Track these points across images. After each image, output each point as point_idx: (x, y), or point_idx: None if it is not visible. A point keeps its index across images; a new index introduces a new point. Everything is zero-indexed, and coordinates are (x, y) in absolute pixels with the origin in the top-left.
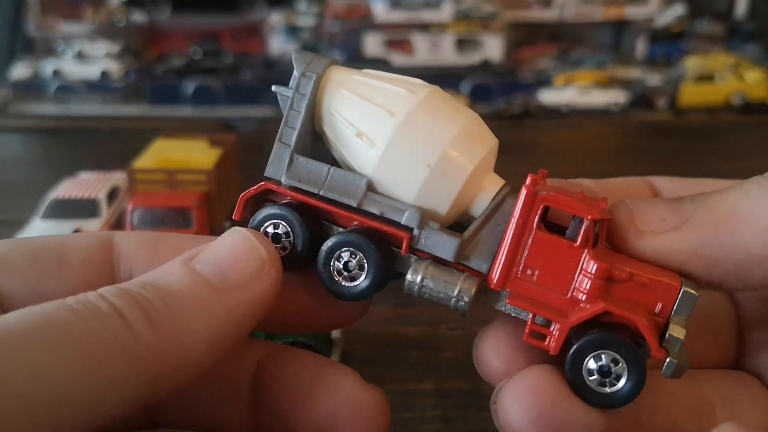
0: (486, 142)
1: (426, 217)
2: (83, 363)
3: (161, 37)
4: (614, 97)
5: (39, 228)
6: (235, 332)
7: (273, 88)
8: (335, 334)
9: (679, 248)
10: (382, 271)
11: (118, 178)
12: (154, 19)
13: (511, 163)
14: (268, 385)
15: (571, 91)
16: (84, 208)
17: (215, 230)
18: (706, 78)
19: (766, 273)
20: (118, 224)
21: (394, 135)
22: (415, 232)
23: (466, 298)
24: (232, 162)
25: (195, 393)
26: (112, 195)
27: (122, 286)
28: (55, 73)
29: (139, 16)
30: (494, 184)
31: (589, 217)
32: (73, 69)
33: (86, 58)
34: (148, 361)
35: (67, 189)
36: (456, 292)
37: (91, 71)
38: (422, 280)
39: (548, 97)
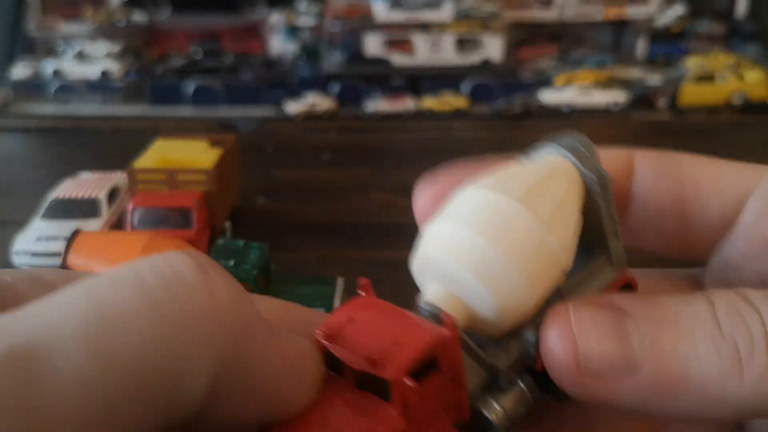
0: None
1: None
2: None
3: (161, 37)
4: (614, 97)
5: (39, 228)
6: None
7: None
8: None
9: (615, 402)
10: None
11: (118, 178)
12: (154, 19)
13: None
14: None
15: (571, 91)
16: (84, 208)
17: (216, 230)
18: (706, 78)
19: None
20: (118, 224)
21: None
22: None
23: None
24: (232, 162)
25: None
26: (113, 195)
27: None
28: (56, 73)
29: (139, 16)
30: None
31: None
32: (73, 69)
33: (86, 58)
34: None
35: (68, 189)
36: None
37: (92, 71)
38: None
39: (548, 97)
